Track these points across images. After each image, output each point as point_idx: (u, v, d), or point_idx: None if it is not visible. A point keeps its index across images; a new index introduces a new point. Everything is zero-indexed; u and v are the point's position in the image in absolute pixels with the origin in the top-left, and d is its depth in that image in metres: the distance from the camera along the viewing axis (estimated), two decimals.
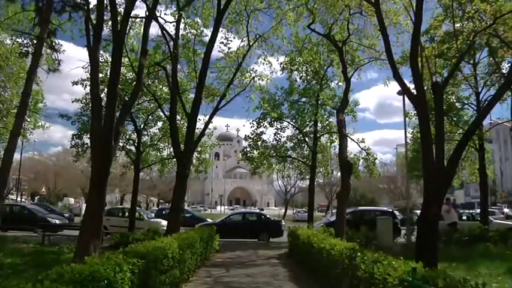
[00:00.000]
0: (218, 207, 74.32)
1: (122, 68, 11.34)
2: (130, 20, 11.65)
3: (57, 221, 19.58)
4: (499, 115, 28.68)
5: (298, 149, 22.18)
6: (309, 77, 20.57)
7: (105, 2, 10.03)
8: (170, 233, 10.04)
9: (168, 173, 25.28)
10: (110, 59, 12.80)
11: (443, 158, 8.51)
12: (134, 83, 13.07)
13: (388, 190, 50.35)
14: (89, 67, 11.34)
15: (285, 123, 21.30)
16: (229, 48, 15.58)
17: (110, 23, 10.76)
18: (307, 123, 21.28)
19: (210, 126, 16.19)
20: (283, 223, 21.15)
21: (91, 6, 11.65)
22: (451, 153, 9.58)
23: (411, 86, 10.07)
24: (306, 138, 21.13)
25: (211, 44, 13.06)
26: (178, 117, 16.01)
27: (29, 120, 18.62)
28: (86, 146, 17.92)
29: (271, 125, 20.93)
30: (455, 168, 9.34)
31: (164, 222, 16.94)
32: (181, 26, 14.16)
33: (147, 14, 11.96)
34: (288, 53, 18.78)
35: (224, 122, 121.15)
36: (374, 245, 13.73)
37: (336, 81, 20.30)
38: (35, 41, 13.40)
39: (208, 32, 14.59)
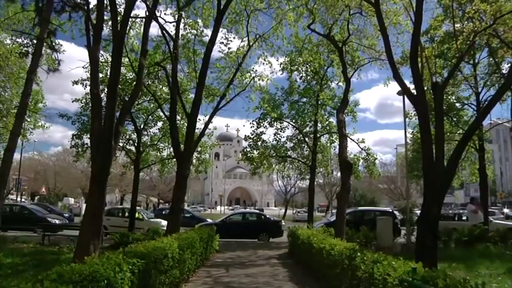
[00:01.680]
0: (218, 207, 74.26)
1: (122, 68, 11.33)
2: (130, 20, 11.65)
3: (57, 221, 19.57)
4: (499, 115, 28.79)
5: (298, 149, 22.17)
6: (309, 77, 20.55)
7: (105, 2, 10.03)
8: (170, 233, 10.03)
9: (168, 173, 25.25)
10: (110, 59, 12.80)
11: (443, 158, 8.50)
12: (134, 83, 13.07)
13: (388, 190, 50.30)
14: (89, 67, 11.34)
15: (285, 124, 21.32)
16: (229, 48, 15.61)
17: (110, 23, 10.77)
18: (307, 123, 21.28)
19: (210, 126, 16.20)
20: (283, 223, 21.15)
21: (91, 6, 11.68)
22: (451, 153, 9.58)
23: (411, 86, 10.08)
24: (306, 138, 21.12)
25: (211, 44, 13.05)
26: (178, 117, 15.99)
27: (29, 120, 18.64)
28: (86, 146, 17.90)
29: (271, 125, 20.92)
30: (455, 168, 9.33)
31: (164, 222, 16.94)
32: (181, 26, 14.15)
33: (147, 14, 11.95)
34: (288, 53, 18.81)
35: (224, 122, 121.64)
36: (374, 245, 13.74)
37: (336, 82, 20.33)
38: (35, 41, 13.41)
39: (208, 32, 14.60)
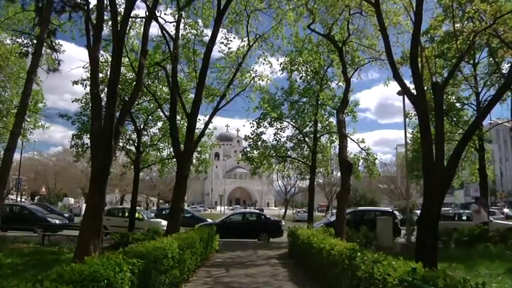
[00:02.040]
0: (218, 207, 74.28)
1: (122, 68, 11.33)
2: (130, 20, 11.65)
3: (57, 221, 19.57)
4: (499, 115, 28.73)
5: (298, 149, 22.17)
6: (309, 77, 20.55)
7: (105, 2, 10.03)
8: (170, 233, 10.03)
9: (168, 173, 25.25)
10: (110, 59, 12.80)
11: (443, 158, 8.50)
12: (134, 83, 13.07)
13: (388, 190, 50.32)
14: (89, 67, 11.34)
15: (285, 123, 21.33)
16: (229, 48, 15.63)
17: (110, 23, 10.77)
18: (307, 123, 21.28)
19: (210, 126, 16.22)
20: (283, 223, 21.15)
21: (91, 6, 11.68)
22: (451, 153, 9.58)
23: (411, 86, 10.08)
24: (306, 138, 21.12)
25: (211, 44, 13.05)
26: (178, 117, 16.00)
27: (29, 120, 18.63)
28: (86, 146, 17.89)
29: (271, 125, 20.94)
30: (455, 168, 9.34)
31: (164, 222, 16.94)
32: (181, 26, 14.16)
33: (147, 14, 11.95)
34: (288, 53, 18.81)
35: (224, 122, 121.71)
36: (374, 245, 13.74)
37: (336, 82, 20.33)
38: (35, 41, 13.42)
39: (208, 32, 14.61)
